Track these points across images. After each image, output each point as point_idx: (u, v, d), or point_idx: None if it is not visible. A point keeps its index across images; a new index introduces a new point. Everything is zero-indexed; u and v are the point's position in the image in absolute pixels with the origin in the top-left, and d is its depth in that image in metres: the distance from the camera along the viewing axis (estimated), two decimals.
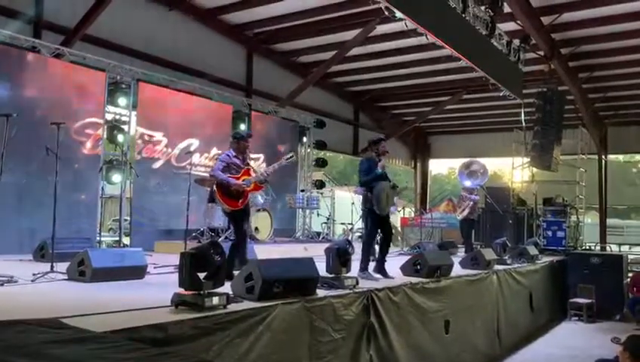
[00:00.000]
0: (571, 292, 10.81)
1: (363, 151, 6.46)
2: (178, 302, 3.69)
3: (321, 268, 4.95)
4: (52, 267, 5.27)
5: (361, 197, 8.26)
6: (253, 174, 5.81)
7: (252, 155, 11.51)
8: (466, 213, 10.11)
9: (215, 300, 3.68)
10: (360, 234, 11.51)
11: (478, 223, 11.05)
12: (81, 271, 4.97)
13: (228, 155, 5.79)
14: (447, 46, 7.48)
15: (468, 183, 11.04)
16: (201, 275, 3.75)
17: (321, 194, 12.88)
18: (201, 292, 3.67)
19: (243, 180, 5.68)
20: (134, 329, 3.13)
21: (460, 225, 10.47)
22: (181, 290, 3.77)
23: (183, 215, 6.69)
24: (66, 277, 5.10)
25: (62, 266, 5.26)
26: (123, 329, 3.08)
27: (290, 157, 6.18)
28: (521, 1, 9.14)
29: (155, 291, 4.63)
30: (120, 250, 6.10)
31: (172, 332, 3.27)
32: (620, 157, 19.89)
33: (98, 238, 8.05)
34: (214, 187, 5.64)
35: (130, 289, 4.71)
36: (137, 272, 5.27)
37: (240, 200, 5.64)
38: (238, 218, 5.74)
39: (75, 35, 8.70)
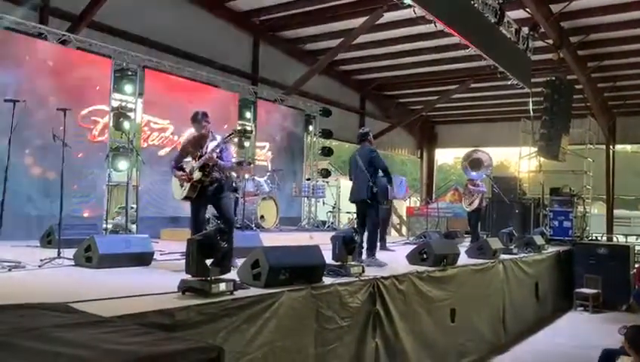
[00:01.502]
0: (577, 282, 10.78)
1: (363, 140, 6.83)
2: (185, 288, 3.69)
3: (327, 256, 4.95)
4: (59, 253, 5.27)
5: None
6: (195, 162, 5.28)
7: (258, 143, 11.55)
8: (475, 204, 10.00)
9: (222, 286, 3.67)
10: None
11: (485, 213, 10.98)
12: (88, 257, 4.99)
13: (188, 140, 5.55)
14: (456, 33, 7.41)
15: (473, 173, 10.93)
16: (208, 262, 3.75)
17: (327, 183, 12.87)
18: (208, 278, 3.68)
19: (191, 168, 5.30)
20: (141, 314, 3.13)
21: (468, 215, 10.42)
22: (188, 276, 3.77)
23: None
24: (73, 263, 5.11)
25: (69, 252, 5.27)
26: (130, 314, 3.08)
27: (230, 134, 5.65)
28: None
29: (162, 277, 4.65)
30: (126, 237, 6.12)
31: (179, 318, 3.27)
32: (628, 147, 19.71)
33: (105, 225, 8.07)
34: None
35: (137, 276, 4.72)
36: (144, 259, 5.28)
37: (191, 191, 5.27)
38: (192, 207, 5.42)
39: (82, 21, 8.68)
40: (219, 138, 5.37)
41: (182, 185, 5.34)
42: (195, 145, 5.39)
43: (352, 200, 6.86)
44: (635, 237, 15.85)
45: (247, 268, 4.21)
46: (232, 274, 4.07)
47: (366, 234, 6.31)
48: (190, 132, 5.83)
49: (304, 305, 4.21)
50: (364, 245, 6.10)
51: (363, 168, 6.44)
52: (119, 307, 3.24)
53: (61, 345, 1.78)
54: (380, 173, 6.54)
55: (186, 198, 5.36)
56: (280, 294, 3.98)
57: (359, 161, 6.53)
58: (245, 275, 4.20)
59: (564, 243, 11.67)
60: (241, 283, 4.04)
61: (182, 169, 5.40)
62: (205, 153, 5.24)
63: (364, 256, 6.08)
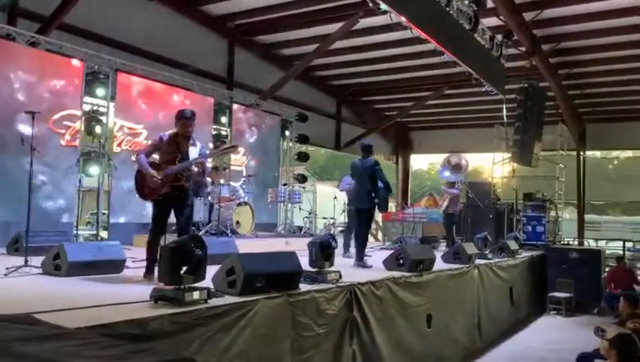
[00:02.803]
0: (550, 286, 10.92)
1: (367, 152, 7.24)
2: (157, 297, 3.59)
3: (304, 262, 4.89)
4: (26, 261, 5.09)
5: (344, 193, 8.52)
6: (177, 165, 4.97)
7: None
8: (444, 205, 10.15)
9: (196, 295, 3.59)
10: (342, 228, 11.48)
11: (459, 217, 11.06)
12: (57, 265, 4.82)
13: (161, 138, 5.08)
14: (431, 39, 7.45)
15: (447, 173, 11.07)
16: (182, 270, 3.66)
17: (304, 188, 12.81)
18: (182, 286, 3.58)
19: (165, 168, 4.97)
20: (111, 324, 3.03)
21: (443, 219, 10.53)
22: (160, 285, 3.67)
23: None
24: (41, 272, 4.95)
25: (37, 260, 5.10)
26: (99, 324, 2.97)
27: (230, 147, 5.66)
28: None
29: (134, 286, 4.53)
30: (97, 244, 5.96)
31: (151, 328, 3.18)
32: (597, 153, 20.21)
33: (75, 232, 7.85)
34: (136, 172, 5.10)
35: (108, 284, 4.58)
36: (115, 266, 5.13)
37: (153, 192, 4.98)
38: (157, 207, 5.07)
39: (52, 23, 8.46)
40: (199, 144, 5.19)
41: (147, 186, 4.99)
42: (172, 144, 5.04)
43: (353, 206, 7.59)
44: (605, 241, 16.21)
45: (222, 275, 4.12)
46: (207, 282, 3.98)
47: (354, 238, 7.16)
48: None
49: (280, 312, 4.14)
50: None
51: (365, 179, 6.96)
52: (88, 317, 3.13)
53: (22, 360, 1.68)
54: (380, 184, 7.03)
55: (154, 200, 5.06)
56: (255, 302, 3.91)
57: (362, 171, 7.05)
58: (220, 283, 4.11)
59: (537, 247, 11.83)
60: (215, 291, 3.95)
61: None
62: (182, 156, 5.00)
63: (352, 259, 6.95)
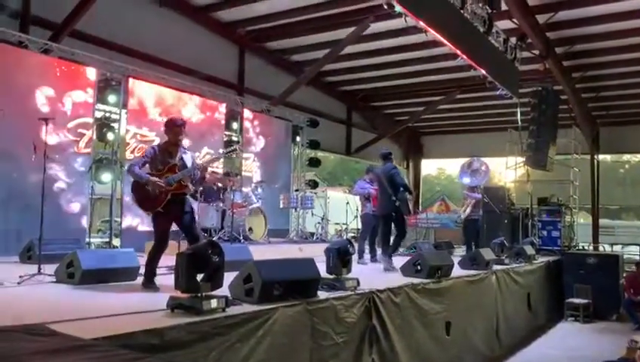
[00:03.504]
0: (567, 292, 10.74)
1: (386, 159, 7.69)
2: (174, 306, 3.50)
3: (319, 268, 4.79)
4: (39, 269, 5.03)
5: (357, 198, 8.51)
6: (178, 172, 4.88)
7: (245, 154, 11.36)
8: (468, 211, 10.04)
9: (213, 303, 3.50)
10: (354, 234, 11.37)
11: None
12: (70, 273, 4.75)
13: (154, 149, 4.98)
14: (448, 43, 7.34)
15: (467, 180, 10.97)
16: (199, 277, 3.57)
17: (315, 193, 12.71)
18: (199, 294, 3.49)
19: (166, 178, 4.84)
20: (128, 335, 2.95)
21: (464, 224, 10.40)
22: (177, 293, 3.58)
23: None
24: (54, 280, 4.88)
25: (50, 268, 5.03)
26: (116, 335, 2.89)
27: (233, 150, 5.60)
28: None
29: (149, 294, 4.46)
30: (111, 251, 5.88)
31: (169, 338, 3.09)
32: (608, 157, 19.99)
33: (87, 239, 7.80)
34: (131, 184, 4.93)
35: (123, 292, 4.51)
36: (129, 274, 5.05)
37: (157, 201, 4.81)
38: (159, 220, 4.91)
39: (64, 30, 8.45)
40: (189, 152, 5.15)
41: (150, 196, 4.82)
42: (165, 153, 4.96)
43: (376, 213, 7.92)
44: (620, 246, 15.96)
45: (240, 283, 4.03)
46: (224, 290, 3.89)
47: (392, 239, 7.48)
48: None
49: (299, 321, 4.03)
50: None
51: (385, 185, 7.28)
52: (104, 327, 3.04)
53: None
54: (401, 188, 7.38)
55: (157, 211, 4.89)
56: (274, 310, 3.81)
57: (382, 178, 7.38)
58: (237, 291, 4.02)
59: (553, 253, 11.63)
60: (232, 299, 3.86)
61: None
62: (179, 164, 4.95)
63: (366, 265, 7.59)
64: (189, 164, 5.01)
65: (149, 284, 4.72)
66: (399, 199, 7.19)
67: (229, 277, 4.10)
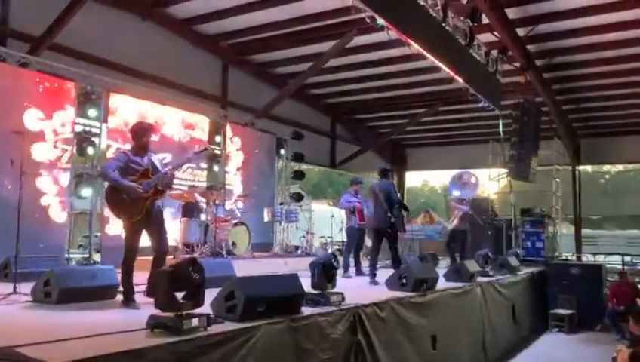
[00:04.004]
0: (552, 303, 10.77)
1: (385, 175, 8.00)
2: (155, 325, 3.41)
3: (304, 283, 4.73)
4: (15, 288, 4.90)
5: (342, 211, 8.52)
6: (153, 177, 4.78)
7: (228, 168, 11.27)
8: (456, 222, 10.08)
9: (195, 322, 3.41)
10: (339, 247, 11.30)
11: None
12: (47, 293, 4.62)
13: (125, 154, 4.82)
14: (430, 55, 7.37)
15: (457, 193, 11.02)
16: (179, 295, 3.49)
17: (300, 207, 12.63)
18: (180, 313, 3.40)
19: (141, 183, 4.73)
20: (107, 356, 2.86)
21: (450, 235, 10.41)
22: (157, 312, 3.49)
23: None
24: (31, 299, 4.73)
25: (26, 287, 4.89)
26: (95, 356, 2.80)
27: (203, 150, 5.44)
28: (498, 12, 9.14)
29: (129, 313, 4.35)
30: (90, 268, 5.72)
31: (149, 358, 3.01)
32: (589, 168, 20.29)
33: (67, 256, 7.63)
34: (105, 192, 4.75)
35: (102, 311, 4.39)
36: (109, 292, 4.93)
37: (136, 209, 4.68)
38: (132, 229, 4.74)
39: (43, 43, 8.33)
40: (153, 155, 5.02)
41: (127, 204, 4.65)
42: (136, 159, 4.84)
43: (371, 227, 8.10)
44: (602, 256, 16.11)
45: (221, 300, 3.95)
46: (205, 307, 3.80)
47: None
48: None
49: (283, 338, 3.96)
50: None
51: (382, 200, 7.37)
52: (81, 349, 2.94)
53: None
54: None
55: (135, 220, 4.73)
56: (257, 328, 3.73)
57: (379, 193, 7.47)
58: (219, 308, 3.93)
59: (537, 263, 11.70)
60: (214, 316, 3.77)
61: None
62: (146, 168, 4.82)
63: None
64: (158, 166, 4.93)
65: (129, 302, 4.60)
66: (395, 216, 7.33)
67: (211, 293, 4.02)
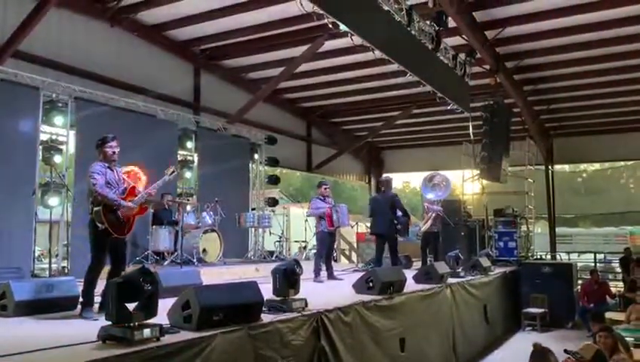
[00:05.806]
0: (524, 302, 10.89)
1: (387, 186, 9.15)
2: (105, 337, 3.37)
3: (270, 290, 4.74)
4: None
5: (313, 218, 8.63)
6: (140, 193, 4.87)
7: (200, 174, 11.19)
8: (428, 224, 10.17)
9: (146, 333, 3.38)
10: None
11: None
12: (3, 305, 4.55)
13: (102, 168, 4.73)
14: (394, 60, 7.43)
15: (431, 196, 11.11)
16: (131, 306, 3.45)
17: (273, 211, 12.58)
18: (131, 324, 3.37)
19: (130, 200, 4.77)
20: None
21: (423, 237, 10.47)
22: (109, 323, 3.45)
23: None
24: None
25: None
26: None
27: (172, 172, 5.40)
28: (465, 16, 9.25)
29: (87, 324, 4.27)
30: (48, 280, 5.60)
31: None
32: (566, 167, 20.59)
33: (32, 268, 7.50)
34: (99, 207, 4.61)
35: (56, 323, 4.32)
36: (68, 304, 4.84)
37: (127, 227, 4.79)
38: (105, 241, 4.71)
39: (7, 51, 8.21)
40: (119, 168, 4.98)
41: (121, 221, 4.73)
42: (112, 173, 4.80)
43: (375, 232, 8.87)
44: (577, 254, 16.37)
45: (178, 309, 3.92)
46: (162, 318, 3.77)
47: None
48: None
49: (240, 346, 3.93)
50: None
51: (387, 210, 8.38)
52: None
53: None
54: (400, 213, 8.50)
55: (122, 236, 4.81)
56: (212, 337, 3.70)
57: (384, 203, 8.50)
58: (175, 318, 3.90)
59: (510, 263, 11.81)
60: (170, 326, 3.74)
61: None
62: (133, 186, 4.88)
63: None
64: (121, 178, 4.93)
65: (87, 313, 4.53)
66: (401, 223, 8.32)
67: None
